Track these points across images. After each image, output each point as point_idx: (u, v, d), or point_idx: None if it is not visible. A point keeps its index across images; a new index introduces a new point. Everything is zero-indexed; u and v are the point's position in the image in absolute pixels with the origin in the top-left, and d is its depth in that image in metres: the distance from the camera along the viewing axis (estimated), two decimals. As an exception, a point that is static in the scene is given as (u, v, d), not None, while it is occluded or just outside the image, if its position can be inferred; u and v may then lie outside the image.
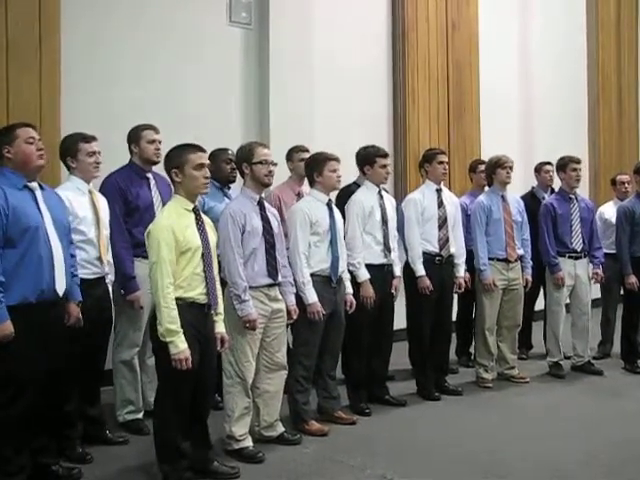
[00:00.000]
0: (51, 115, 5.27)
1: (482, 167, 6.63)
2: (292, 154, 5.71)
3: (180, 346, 3.63)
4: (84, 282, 4.09)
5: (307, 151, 5.56)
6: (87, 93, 5.57)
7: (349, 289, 5.02)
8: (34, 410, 3.68)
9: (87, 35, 5.63)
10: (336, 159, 4.91)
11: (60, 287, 3.76)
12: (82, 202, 4.28)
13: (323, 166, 4.86)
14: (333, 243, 4.84)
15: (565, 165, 6.34)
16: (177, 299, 3.67)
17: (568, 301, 6.38)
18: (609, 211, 7.06)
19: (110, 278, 4.49)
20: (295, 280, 4.64)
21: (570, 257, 6.25)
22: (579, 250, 6.26)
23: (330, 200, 4.94)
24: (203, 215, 3.97)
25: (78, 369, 4.14)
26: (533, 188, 7.09)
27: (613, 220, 6.78)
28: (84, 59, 5.60)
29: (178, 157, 3.84)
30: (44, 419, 3.81)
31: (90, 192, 4.37)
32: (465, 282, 5.83)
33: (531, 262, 6.15)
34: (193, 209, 3.86)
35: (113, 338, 4.72)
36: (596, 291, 6.87)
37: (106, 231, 4.41)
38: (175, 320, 3.63)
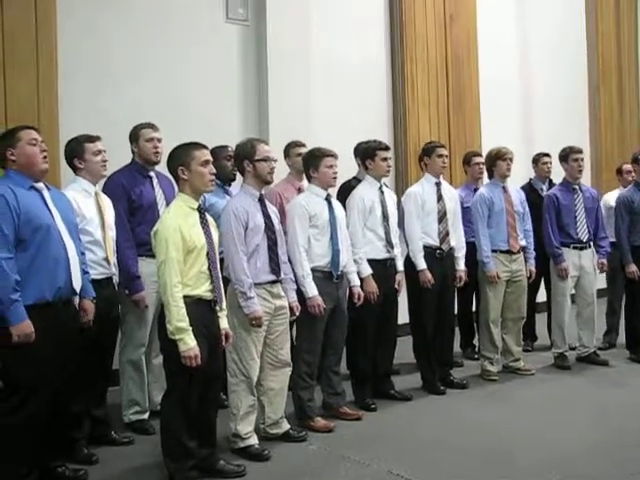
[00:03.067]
0: (49, 117, 5.27)
1: (476, 159, 6.63)
2: (289, 150, 5.70)
3: (190, 343, 3.66)
4: (92, 283, 4.10)
5: (304, 146, 5.54)
6: (85, 94, 5.58)
7: (356, 282, 5.00)
8: (45, 413, 3.68)
9: (83, 35, 5.63)
10: (333, 155, 4.87)
11: (77, 285, 3.80)
12: (88, 204, 4.29)
13: (319, 162, 4.82)
14: (334, 236, 4.80)
15: (567, 156, 6.32)
16: (185, 297, 3.70)
17: (573, 292, 6.36)
18: (614, 200, 6.98)
19: (116, 279, 4.49)
20: (295, 274, 4.62)
21: (575, 248, 6.22)
22: (584, 240, 6.24)
23: (329, 194, 4.91)
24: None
25: (86, 370, 4.13)
26: (531, 179, 7.06)
27: None
28: (82, 60, 5.61)
29: (184, 155, 3.85)
30: (53, 421, 3.80)
31: (96, 194, 4.37)
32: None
33: (534, 253, 6.12)
34: (198, 208, 3.88)
35: (120, 338, 4.72)
36: (602, 281, 6.84)
37: (112, 232, 4.41)
38: (184, 318, 3.66)
